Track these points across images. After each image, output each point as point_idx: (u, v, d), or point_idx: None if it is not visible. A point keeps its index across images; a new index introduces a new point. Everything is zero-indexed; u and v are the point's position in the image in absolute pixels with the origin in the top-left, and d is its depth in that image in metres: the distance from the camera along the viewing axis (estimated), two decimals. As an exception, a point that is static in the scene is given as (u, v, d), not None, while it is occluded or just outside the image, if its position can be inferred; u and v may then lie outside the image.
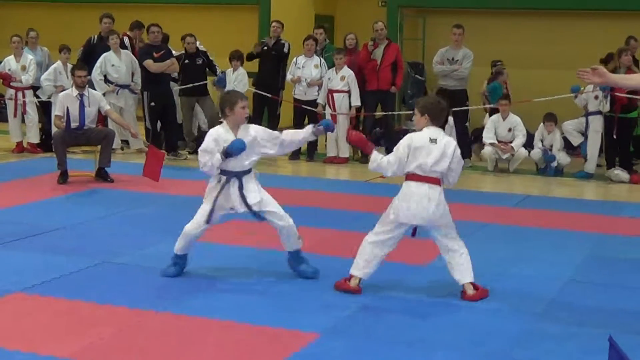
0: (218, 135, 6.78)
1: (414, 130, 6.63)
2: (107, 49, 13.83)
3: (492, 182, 12.57)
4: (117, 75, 13.71)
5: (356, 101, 13.56)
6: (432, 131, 6.48)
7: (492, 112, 13.83)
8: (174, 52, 13.93)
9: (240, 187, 6.84)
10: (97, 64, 13.60)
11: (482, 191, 11.75)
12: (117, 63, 13.73)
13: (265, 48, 14.35)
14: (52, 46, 14.56)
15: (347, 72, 13.53)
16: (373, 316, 6.12)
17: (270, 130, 7.19)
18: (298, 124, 13.23)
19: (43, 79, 13.66)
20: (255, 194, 6.87)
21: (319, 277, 6.94)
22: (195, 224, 6.89)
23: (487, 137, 13.15)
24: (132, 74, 13.93)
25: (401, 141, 6.56)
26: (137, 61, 13.89)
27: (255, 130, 6.96)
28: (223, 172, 6.81)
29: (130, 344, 5.50)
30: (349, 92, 13.55)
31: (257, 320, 5.91)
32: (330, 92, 13.56)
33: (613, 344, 3.92)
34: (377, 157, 6.56)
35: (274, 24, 14.49)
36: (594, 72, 6.00)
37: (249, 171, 6.90)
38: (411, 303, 6.42)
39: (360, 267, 6.60)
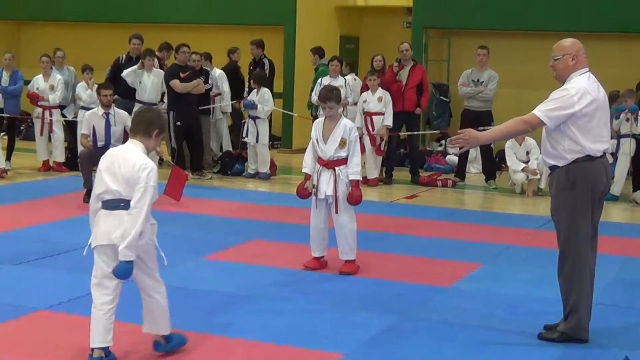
0: None
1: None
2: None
3: (517, 203, 12.52)
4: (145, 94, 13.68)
5: (388, 121, 13.31)
6: None
7: None
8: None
9: None
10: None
11: (506, 212, 11.71)
12: (145, 81, 13.68)
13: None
14: (78, 66, 14.66)
15: (382, 92, 13.34)
16: (397, 338, 6.10)
17: None
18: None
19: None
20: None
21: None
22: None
23: (513, 163, 12.96)
24: (163, 94, 13.92)
25: None
26: (167, 82, 13.97)
27: None
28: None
29: (155, 362, 5.51)
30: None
31: (280, 340, 5.92)
32: (369, 114, 13.27)
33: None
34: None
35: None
36: (464, 140, 5.91)
37: None
38: (436, 325, 6.41)
39: None
